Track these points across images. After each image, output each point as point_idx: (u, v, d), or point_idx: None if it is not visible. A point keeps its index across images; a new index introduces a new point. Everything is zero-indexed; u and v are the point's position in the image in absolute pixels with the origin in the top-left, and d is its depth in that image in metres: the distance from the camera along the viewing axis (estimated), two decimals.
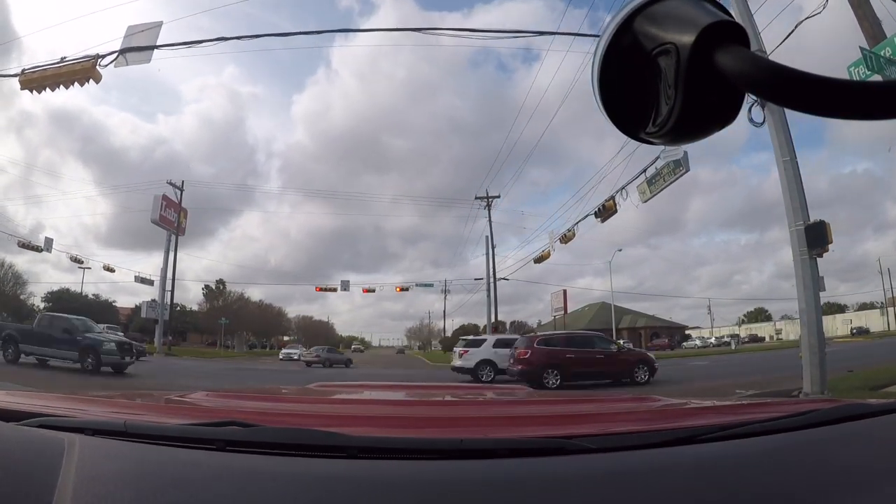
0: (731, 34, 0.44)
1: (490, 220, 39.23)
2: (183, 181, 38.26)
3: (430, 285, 47.53)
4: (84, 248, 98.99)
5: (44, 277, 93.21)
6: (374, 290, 45.82)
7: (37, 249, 35.43)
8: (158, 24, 12.69)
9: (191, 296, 62.74)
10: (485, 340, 18.29)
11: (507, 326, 54.23)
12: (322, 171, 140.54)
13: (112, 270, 43.06)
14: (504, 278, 38.74)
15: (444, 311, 64.06)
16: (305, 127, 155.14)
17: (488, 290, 38.39)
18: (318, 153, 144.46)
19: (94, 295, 57.74)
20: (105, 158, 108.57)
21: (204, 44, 12.98)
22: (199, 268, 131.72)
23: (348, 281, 43.64)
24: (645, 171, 15.97)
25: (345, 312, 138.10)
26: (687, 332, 70.88)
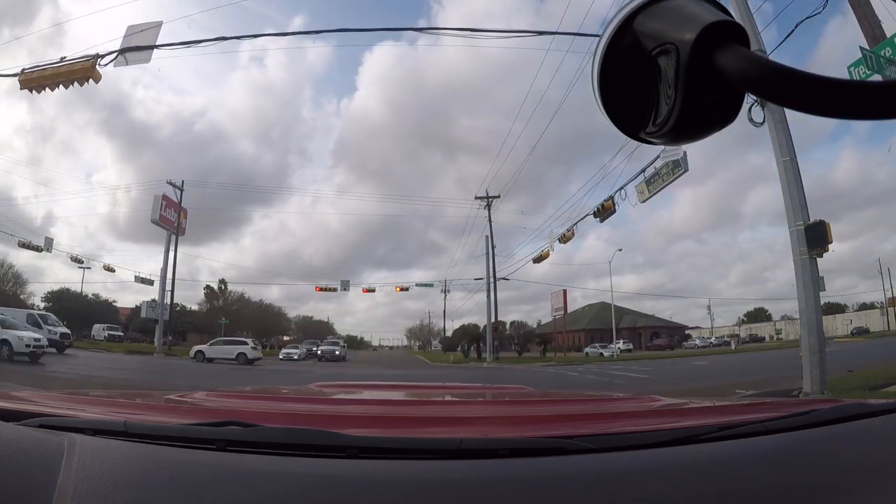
0: (731, 34, 0.44)
1: (490, 221, 39.33)
2: (183, 181, 38.27)
3: (430, 285, 47.58)
4: (100, 241, 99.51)
5: (52, 274, 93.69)
6: (373, 290, 45.96)
7: (37, 249, 35.39)
8: (158, 24, 12.70)
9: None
10: None
11: (507, 326, 54.27)
12: (342, 165, 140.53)
13: (112, 270, 43.09)
14: (504, 278, 38.82)
15: (444, 311, 64.10)
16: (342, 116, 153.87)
17: (488, 291, 38.43)
18: (349, 141, 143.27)
19: (94, 295, 57.76)
20: (130, 134, 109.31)
21: (203, 43, 13.00)
22: (216, 266, 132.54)
23: (348, 281, 43.74)
24: (644, 171, 16.00)
25: (360, 311, 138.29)
26: (687, 332, 70.93)
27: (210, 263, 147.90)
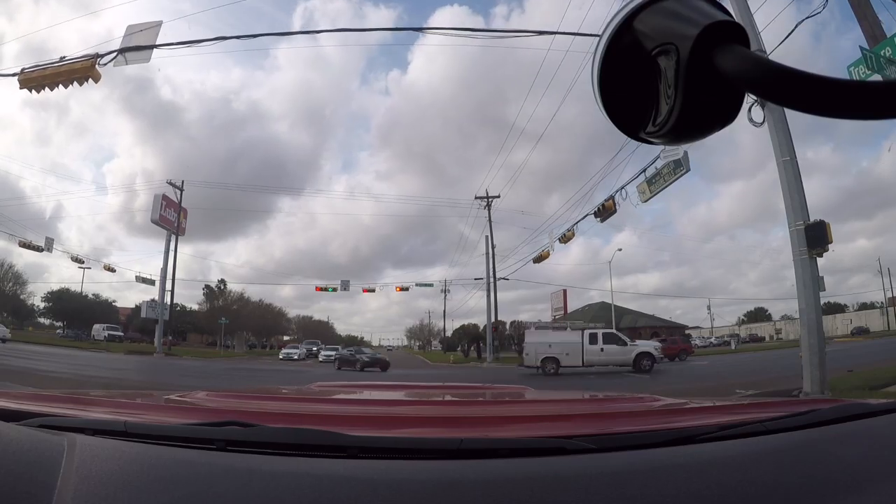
0: (731, 34, 0.44)
1: (490, 221, 39.35)
2: (183, 181, 38.26)
3: (430, 285, 47.65)
4: (111, 236, 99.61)
5: (57, 272, 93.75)
6: (373, 290, 45.95)
7: (37, 249, 35.37)
8: (158, 24, 12.69)
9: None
10: None
11: (507, 326, 54.29)
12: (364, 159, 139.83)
13: (112, 270, 43.09)
14: (504, 278, 38.83)
15: (444, 311, 63.87)
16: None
17: (488, 291, 38.46)
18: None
19: (94, 294, 57.80)
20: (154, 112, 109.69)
21: (203, 43, 13.00)
22: (227, 265, 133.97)
23: (348, 281, 43.70)
24: (644, 170, 16.00)
25: (371, 311, 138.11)
26: (687, 332, 70.88)
27: (221, 262, 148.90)
